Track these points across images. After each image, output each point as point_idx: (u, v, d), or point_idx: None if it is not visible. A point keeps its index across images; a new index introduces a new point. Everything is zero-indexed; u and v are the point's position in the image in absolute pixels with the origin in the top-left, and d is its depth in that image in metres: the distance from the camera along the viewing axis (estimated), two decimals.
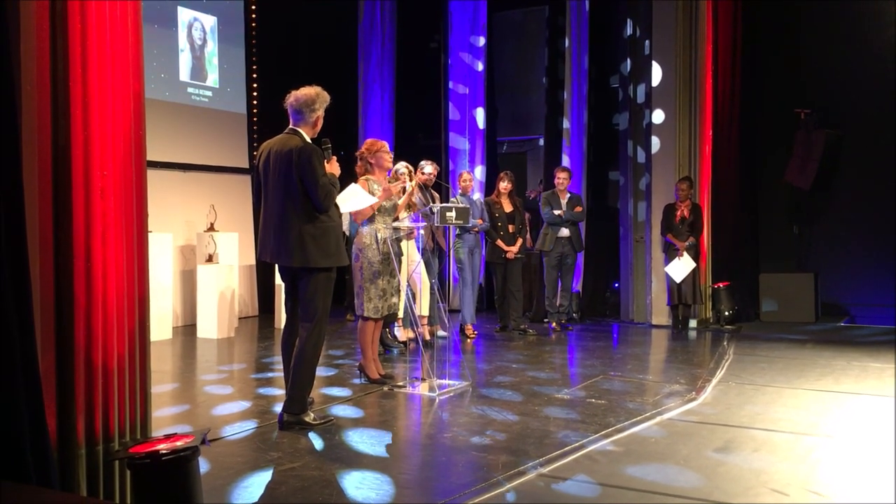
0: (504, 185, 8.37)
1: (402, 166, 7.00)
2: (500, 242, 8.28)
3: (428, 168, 7.64)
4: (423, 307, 7.40)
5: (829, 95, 9.68)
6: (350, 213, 5.72)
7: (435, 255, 7.65)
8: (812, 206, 9.98)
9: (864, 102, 9.52)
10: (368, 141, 5.89)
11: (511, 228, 8.32)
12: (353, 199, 5.34)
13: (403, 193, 6.57)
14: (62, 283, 3.07)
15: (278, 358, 6.14)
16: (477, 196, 8.93)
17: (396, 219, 5.97)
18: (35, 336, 2.89)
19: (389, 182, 6.03)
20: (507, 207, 8.37)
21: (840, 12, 9.70)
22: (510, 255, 8.27)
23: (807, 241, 10.05)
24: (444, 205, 6.01)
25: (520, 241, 8.35)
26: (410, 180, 7.03)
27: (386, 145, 5.80)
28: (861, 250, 9.61)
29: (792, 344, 7.72)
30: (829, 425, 4.66)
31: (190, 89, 9.53)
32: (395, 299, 5.88)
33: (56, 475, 2.92)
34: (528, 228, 9.04)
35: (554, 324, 8.75)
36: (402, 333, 7.40)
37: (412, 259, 7.08)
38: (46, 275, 3.03)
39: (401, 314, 6.68)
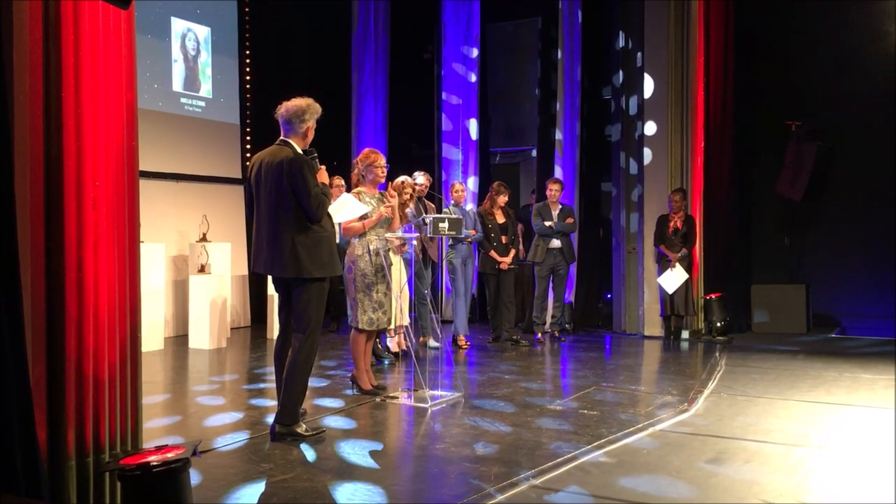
0: (502, 199, 8.37)
1: (401, 181, 7.02)
2: (493, 253, 8.29)
3: (421, 179, 7.66)
4: (403, 317, 7.35)
5: (820, 107, 9.73)
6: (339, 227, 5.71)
7: (428, 266, 7.65)
8: (803, 218, 10.02)
9: (854, 114, 9.57)
10: (366, 151, 5.86)
11: (504, 239, 8.34)
12: (346, 209, 5.35)
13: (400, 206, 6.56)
14: (54, 294, 3.07)
15: (270, 369, 6.13)
16: (469, 207, 8.95)
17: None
18: (26, 346, 2.89)
19: (384, 194, 6.02)
20: (500, 219, 8.39)
21: (831, 25, 9.77)
22: (503, 266, 8.28)
23: (798, 253, 10.09)
24: (436, 216, 6.02)
25: (513, 252, 8.36)
26: (410, 198, 7.05)
27: (381, 159, 5.75)
28: (852, 261, 9.65)
29: (783, 355, 7.74)
30: (821, 436, 4.67)
31: (183, 99, 9.53)
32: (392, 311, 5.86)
33: (46, 487, 2.91)
34: (520, 239, 9.05)
35: (539, 335, 8.76)
36: (393, 344, 7.39)
37: (403, 271, 7.07)
38: (38, 285, 3.02)
39: (392, 325, 6.66)
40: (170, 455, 2.98)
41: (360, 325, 5.67)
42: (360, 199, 5.53)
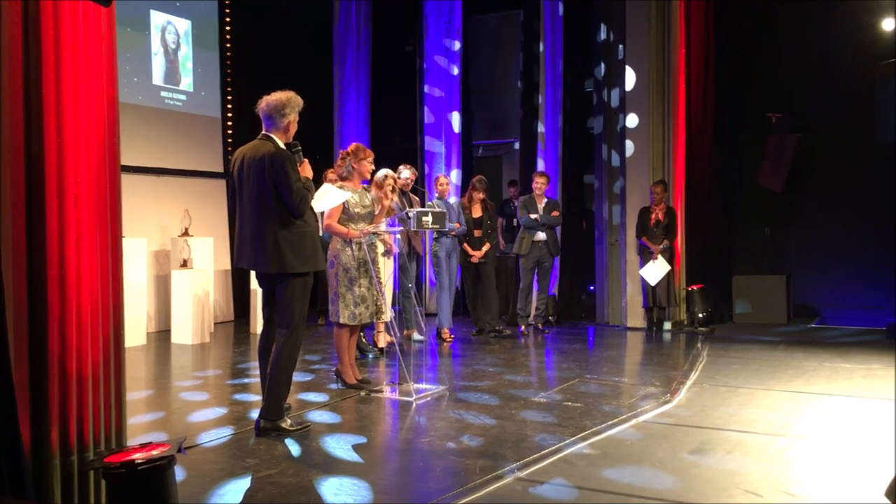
0: (478, 195, 8.39)
1: (383, 174, 6.99)
2: (465, 246, 8.32)
3: (405, 173, 7.66)
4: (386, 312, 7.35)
5: (801, 99, 9.82)
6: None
7: (412, 259, 7.65)
8: (784, 209, 10.12)
9: (835, 106, 9.66)
10: (355, 145, 5.84)
11: (477, 233, 8.36)
12: (325, 198, 5.31)
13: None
14: (36, 291, 3.04)
15: (254, 363, 6.13)
16: (453, 200, 8.95)
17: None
18: (8, 345, 2.86)
19: (367, 189, 6.01)
20: (476, 213, 8.41)
21: (812, 17, 9.83)
22: (474, 260, 8.32)
23: (779, 244, 10.18)
24: (420, 210, 6.01)
25: (487, 246, 8.38)
26: (392, 190, 7.03)
27: (372, 156, 5.76)
28: (832, 252, 9.76)
29: (764, 345, 7.81)
30: (802, 426, 4.73)
31: (163, 93, 9.46)
32: (376, 305, 5.85)
33: (31, 485, 2.89)
34: (498, 233, 9.07)
35: (523, 327, 8.79)
36: (381, 339, 7.35)
37: (387, 264, 7.06)
38: (20, 283, 2.99)
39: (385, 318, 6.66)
40: (154, 452, 2.98)
41: (342, 319, 5.66)
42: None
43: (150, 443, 3.12)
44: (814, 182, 9.77)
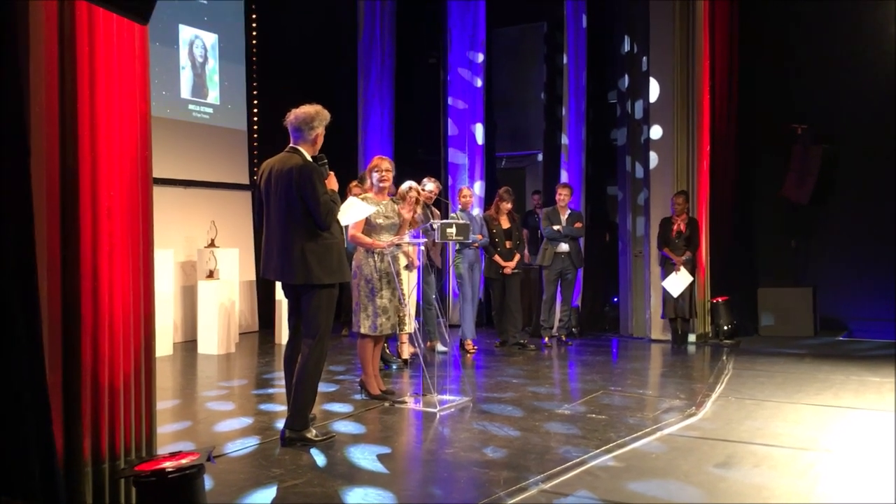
0: (505, 206, 8.41)
1: (408, 186, 7.03)
2: (497, 258, 8.33)
3: (429, 185, 7.68)
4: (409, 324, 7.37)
5: (826, 111, 9.75)
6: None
7: (431, 272, 7.67)
8: (809, 221, 10.03)
9: (860, 117, 9.59)
10: (375, 158, 5.90)
11: (508, 244, 8.37)
12: (350, 211, 5.35)
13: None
14: (69, 303, 3.11)
15: (279, 374, 6.17)
16: (476, 212, 8.97)
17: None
18: (43, 354, 2.92)
19: (395, 201, 6.03)
20: (505, 224, 8.42)
21: (837, 28, 9.78)
22: (507, 271, 8.31)
23: (805, 256, 10.10)
24: (444, 221, 6.03)
25: (517, 257, 8.39)
26: (417, 203, 7.06)
27: (384, 163, 5.73)
28: (859, 264, 9.66)
29: (791, 358, 7.74)
30: (829, 440, 4.69)
31: (191, 106, 9.58)
32: (398, 317, 5.87)
33: (63, 493, 2.94)
34: (525, 244, 9.08)
35: (546, 339, 8.77)
36: (405, 350, 7.38)
37: (411, 276, 7.09)
38: (54, 294, 3.06)
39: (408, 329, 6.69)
40: (184, 461, 3.01)
41: (362, 329, 5.70)
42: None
43: (180, 451, 3.15)
44: (839, 194, 9.69)
